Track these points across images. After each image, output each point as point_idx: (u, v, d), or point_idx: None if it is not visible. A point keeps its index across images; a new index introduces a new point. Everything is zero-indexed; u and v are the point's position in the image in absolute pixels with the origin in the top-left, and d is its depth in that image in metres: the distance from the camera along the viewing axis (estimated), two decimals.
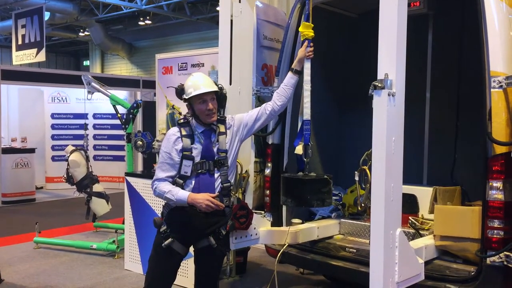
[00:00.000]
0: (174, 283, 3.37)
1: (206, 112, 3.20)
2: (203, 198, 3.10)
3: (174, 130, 3.27)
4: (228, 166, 3.26)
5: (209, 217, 3.18)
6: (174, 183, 3.21)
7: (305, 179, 3.67)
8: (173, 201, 3.16)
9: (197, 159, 3.19)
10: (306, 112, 3.74)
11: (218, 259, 3.40)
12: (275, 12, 4.78)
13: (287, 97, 3.50)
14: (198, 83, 3.21)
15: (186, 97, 3.24)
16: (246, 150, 4.06)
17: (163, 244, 3.19)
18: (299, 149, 3.70)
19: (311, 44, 3.62)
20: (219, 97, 3.31)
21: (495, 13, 3.22)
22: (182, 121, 3.31)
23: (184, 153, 3.18)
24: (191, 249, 3.37)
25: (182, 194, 3.13)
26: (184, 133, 3.22)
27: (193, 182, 3.19)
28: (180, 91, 3.29)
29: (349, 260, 3.86)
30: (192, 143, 3.21)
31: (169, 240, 3.19)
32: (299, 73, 3.58)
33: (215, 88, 3.25)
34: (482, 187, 3.19)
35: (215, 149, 3.24)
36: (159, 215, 3.40)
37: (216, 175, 3.21)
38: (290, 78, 3.53)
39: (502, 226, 3.12)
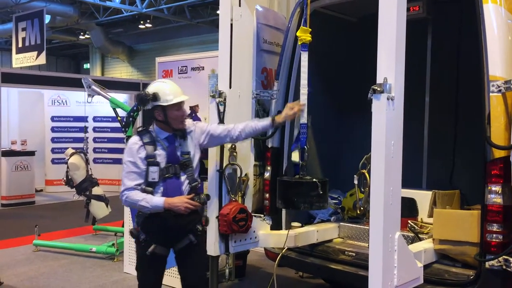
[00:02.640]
0: (167, 284, 3.41)
1: (181, 119, 3.30)
2: (181, 201, 3.17)
3: (135, 139, 3.31)
4: (193, 167, 3.33)
5: (184, 217, 3.23)
6: (143, 191, 3.22)
7: (292, 181, 3.68)
8: (149, 208, 3.19)
9: (163, 165, 3.24)
10: (303, 115, 3.76)
11: (201, 255, 3.44)
12: (275, 16, 4.80)
13: (252, 136, 3.62)
14: (177, 91, 3.31)
15: (164, 104, 3.24)
16: (245, 153, 4.06)
17: (147, 252, 3.25)
18: (295, 157, 3.72)
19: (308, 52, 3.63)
20: None
21: (494, 18, 3.23)
22: (140, 129, 3.36)
23: (148, 160, 3.23)
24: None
25: (157, 200, 3.17)
26: (145, 140, 3.27)
27: (161, 188, 3.24)
28: (153, 98, 3.22)
29: (348, 263, 3.86)
30: (155, 149, 3.26)
31: (152, 246, 3.25)
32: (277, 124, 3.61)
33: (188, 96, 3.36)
34: (481, 191, 3.20)
35: (178, 153, 3.30)
36: None
37: (182, 177, 3.28)
38: (266, 125, 3.54)
39: (501, 230, 3.12)
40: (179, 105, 3.28)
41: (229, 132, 3.45)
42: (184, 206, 3.15)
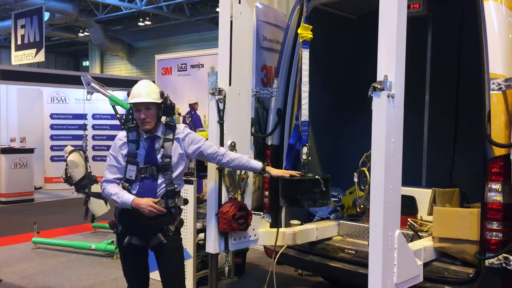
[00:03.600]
0: (155, 278, 3.45)
1: (140, 121, 3.29)
2: (146, 204, 3.18)
3: (122, 134, 3.36)
4: (173, 171, 3.31)
5: (153, 217, 3.24)
6: (122, 186, 3.29)
7: (294, 179, 3.67)
8: (119, 203, 3.25)
9: (141, 164, 3.27)
10: (304, 113, 3.75)
11: (172, 254, 3.39)
12: (275, 14, 4.79)
13: (238, 169, 3.64)
14: (139, 92, 3.31)
15: (127, 103, 3.39)
16: (245, 151, 4.05)
17: (124, 243, 3.30)
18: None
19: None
20: (164, 107, 3.38)
21: (494, 16, 3.23)
22: (132, 125, 3.38)
23: (128, 158, 3.27)
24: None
25: (127, 197, 3.21)
26: (131, 138, 3.31)
27: (137, 186, 3.27)
28: (128, 96, 3.40)
29: (348, 261, 3.87)
30: (137, 148, 3.30)
31: (127, 238, 3.30)
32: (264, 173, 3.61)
33: (150, 100, 3.29)
34: (481, 189, 3.20)
35: (159, 155, 3.30)
36: None
37: (160, 180, 3.28)
38: (255, 167, 3.54)
39: (501, 228, 3.12)
40: (136, 106, 3.28)
41: (218, 156, 3.45)
42: (148, 209, 3.17)
